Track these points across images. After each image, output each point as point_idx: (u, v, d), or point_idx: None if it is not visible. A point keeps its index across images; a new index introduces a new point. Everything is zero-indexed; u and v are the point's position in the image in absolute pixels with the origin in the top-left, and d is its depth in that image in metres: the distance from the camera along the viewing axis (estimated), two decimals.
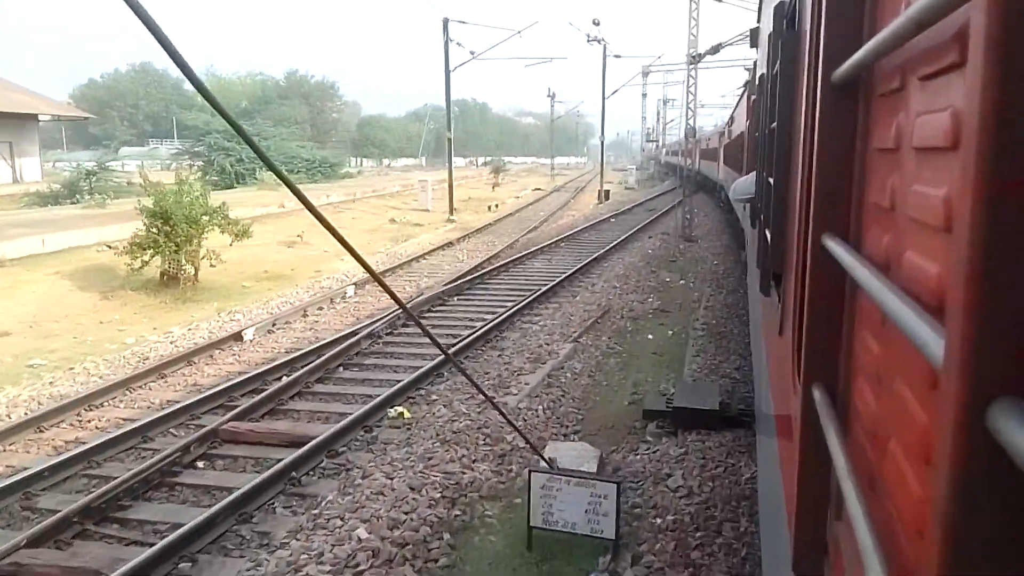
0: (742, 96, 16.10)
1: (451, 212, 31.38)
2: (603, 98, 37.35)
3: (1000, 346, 0.68)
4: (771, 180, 3.28)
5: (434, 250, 21.37)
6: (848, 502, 1.11)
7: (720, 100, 53.54)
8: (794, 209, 2.44)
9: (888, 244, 1.24)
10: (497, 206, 38.24)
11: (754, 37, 8.04)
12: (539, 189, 52.45)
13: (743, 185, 7.27)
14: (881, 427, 1.23)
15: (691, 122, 23.71)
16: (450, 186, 31.56)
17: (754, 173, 5.92)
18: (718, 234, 24.88)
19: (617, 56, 37.64)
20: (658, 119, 60.96)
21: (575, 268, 16.97)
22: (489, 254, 20.29)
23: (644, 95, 54.82)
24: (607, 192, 39.84)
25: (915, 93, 1.10)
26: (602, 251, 19.92)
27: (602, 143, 38.72)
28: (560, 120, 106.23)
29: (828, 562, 1.59)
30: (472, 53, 34.19)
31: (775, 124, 3.17)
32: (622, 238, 22.67)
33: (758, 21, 6.95)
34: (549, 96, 68.68)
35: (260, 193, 35.74)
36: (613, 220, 29.72)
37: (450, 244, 22.54)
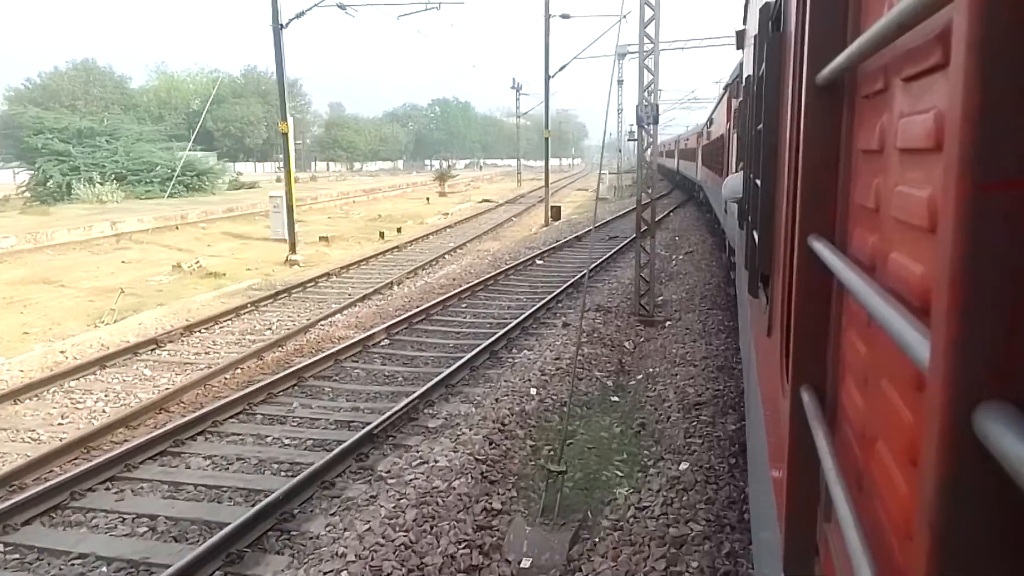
0: (721, 97, 15.03)
1: (292, 249, 20.02)
2: (547, 75, 25.84)
3: (985, 349, 0.66)
4: (758, 182, 3.23)
5: (107, 357, 10.05)
6: (837, 504, 1.10)
7: (714, 91, 42.09)
8: (781, 210, 2.43)
9: (873, 245, 1.22)
10: (399, 230, 26.95)
11: (740, 39, 7.43)
12: (488, 200, 40.96)
13: (733, 183, 6.70)
14: (869, 428, 1.21)
15: (651, 96, 12.36)
16: (289, 208, 20.14)
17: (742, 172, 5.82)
18: (706, 300, 13.47)
19: (565, 16, 26.25)
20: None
21: (273, 499, 5.72)
22: (198, 375, 9.00)
23: (620, 81, 43.23)
24: (557, 210, 28.35)
25: (899, 94, 1.08)
26: (432, 382, 8.63)
27: (547, 141, 27.03)
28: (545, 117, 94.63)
29: (818, 563, 1.55)
30: (343, 7, 23.12)
31: (761, 125, 3.14)
32: (513, 324, 11.34)
33: (744, 23, 6.82)
34: (514, 88, 57.35)
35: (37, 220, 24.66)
36: (540, 263, 18.39)
37: (153, 344, 11.11)
